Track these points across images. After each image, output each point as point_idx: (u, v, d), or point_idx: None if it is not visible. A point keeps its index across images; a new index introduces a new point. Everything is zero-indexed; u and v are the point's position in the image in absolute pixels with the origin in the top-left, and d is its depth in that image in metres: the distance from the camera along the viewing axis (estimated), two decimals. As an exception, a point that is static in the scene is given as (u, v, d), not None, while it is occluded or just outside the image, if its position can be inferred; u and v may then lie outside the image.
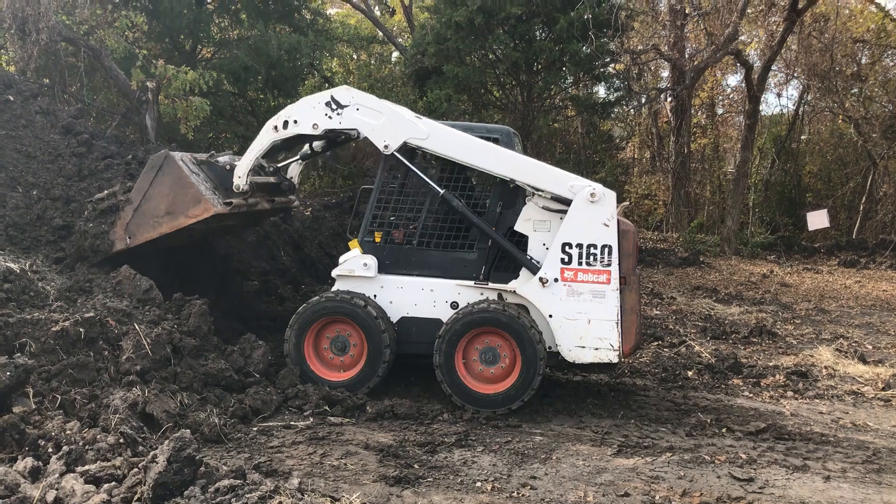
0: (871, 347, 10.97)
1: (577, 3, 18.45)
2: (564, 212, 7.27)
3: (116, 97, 16.99)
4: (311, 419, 6.77)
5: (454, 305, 7.51)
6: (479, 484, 5.47)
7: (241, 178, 7.90)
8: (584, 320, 7.18)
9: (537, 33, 19.92)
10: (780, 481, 5.72)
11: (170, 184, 7.71)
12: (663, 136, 29.57)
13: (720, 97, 33.90)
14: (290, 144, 8.25)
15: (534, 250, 7.47)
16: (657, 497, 5.33)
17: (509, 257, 7.54)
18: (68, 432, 5.41)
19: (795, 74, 28.98)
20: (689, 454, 6.24)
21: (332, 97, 7.66)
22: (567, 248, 7.23)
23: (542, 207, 7.40)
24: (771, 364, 9.70)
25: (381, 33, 28.02)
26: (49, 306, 7.16)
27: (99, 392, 6.15)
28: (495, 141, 7.80)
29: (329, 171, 21.71)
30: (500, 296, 7.45)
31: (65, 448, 5.00)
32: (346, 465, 5.70)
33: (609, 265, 7.16)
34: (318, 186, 22.13)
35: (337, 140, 8.31)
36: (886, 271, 20.98)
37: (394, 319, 7.56)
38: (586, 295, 7.19)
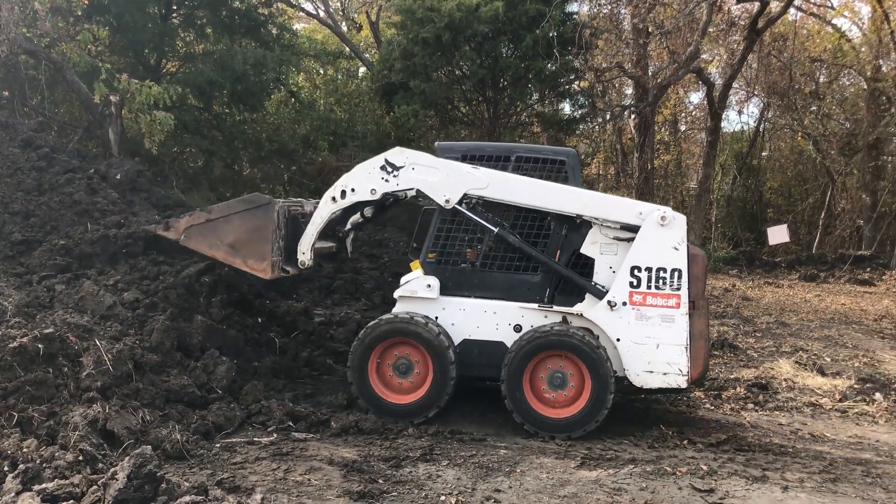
0: (829, 360, 11.18)
1: (543, 21, 18.65)
2: (633, 238, 7.24)
3: (79, 111, 16.77)
4: (275, 435, 6.74)
5: (517, 328, 7.40)
6: (443, 498, 5.48)
7: (305, 255, 7.75)
8: (652, 345, 7.12)
9: (503, 50, 20.08)
10: (740, 492, 5.80)
11: (252, 227, 7.58)
12: (627, 153, 29.91)
13: (683, 114, 34.45)
14: (349, 214, 8.11)
15: (600, 273, 7.38)
16: (619, 509, 5.38)
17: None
18: (25, 450, 5.34)
19: (756, 92, 29.56)
20: (652, 466, 6.31)
21: (387, 160, 7.61)
22: (636, 272, 7.18)
23: (613, 238, 7.34)
24: (732, 377, 9.84)
25: (347, 49, 28.06)
26: (6, 322, 7.05)
27: (58, 409, 6.07)
28: (562, 163, 7.75)
29: (295, 186, 21.62)
30: (564, 318, 7.36)
31: (21, 466, 4.94)
32: (309, 480, 5.68)
33: (679, 289, 7.12)
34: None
35: (387, 203, 8.11)
36: (845, 285, 21.38)
37: (455, 342, 7.41)
38: (655, 319, 7.13)
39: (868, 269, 23.71)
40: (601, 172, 34.22)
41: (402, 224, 14.68)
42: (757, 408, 8.48)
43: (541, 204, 7.46)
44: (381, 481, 5.73)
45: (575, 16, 21.09)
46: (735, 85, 26.87)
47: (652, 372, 7.12)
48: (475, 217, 7.54)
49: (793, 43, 26.75)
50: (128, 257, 9.11)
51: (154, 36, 17.54)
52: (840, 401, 8.89)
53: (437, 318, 7.45)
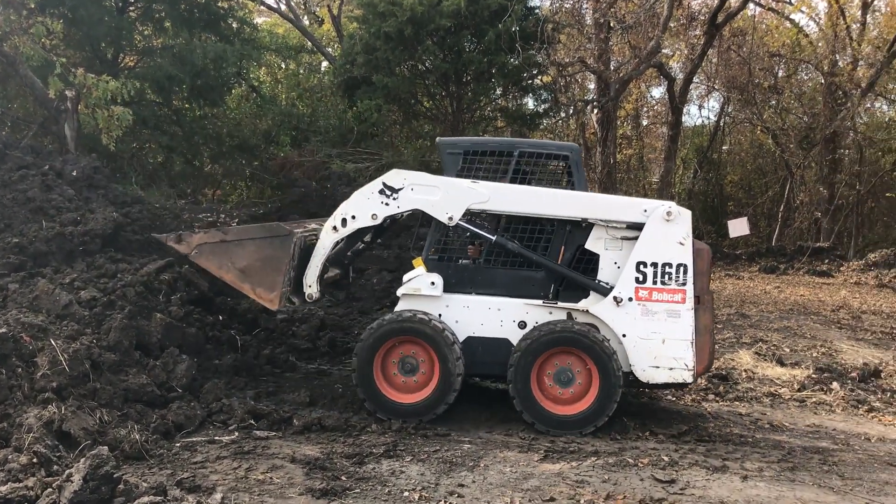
0: (788, 350, 11.35)
1: (505, 16, 18.69)
2: (638, 236, 7.23)
3: (33, 106, 16.45)
4: (237, 433, 6.65)
5: (522, 325, 7.33)
6: (406, 494, 5.46)
7: (311, 287, 7.58)
8: (658, 340, 7.11)
9: (466, 45, 20.11)
10: (701, 482, 5.87)
11: (267, 256, 7.37)
12: (590, 147, 30.09)
13: (645, 109, 34.77)
14: (353, 242, 7.95)
15: (605, 269, 7.34)
16: (582, 501, 5.40)
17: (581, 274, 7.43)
18: (-23, 453, 5.21)
19: (716, 87, 29.94)
20: (614, 458, 6.35)
21: (384, 184, 7.48)
22: (642, 267, 7.15)
23: (620, 238, 7.31)
24: (693, 368, 9.93)
25: (309, 43, 27.86)
26: (-42, 323, 6.88)
27: (11, 411, 5.94)
28: (565, 158, 7.72)
29: (257, 182, 21.44)
30: (569, 315, 7.31)
31: (-27, 470, 4.82)
32: (271, 478, 5.62)
33: (684, 284, 7.11)
34: (246, 197, 21.83)
35: (384, 225, 8.00)
36: (804, 276, 21.77)
37: (459, 339, 7.31)
38: (661, 314, 7.12)
39: (826, 261, 24.16)
40: (565, 167, 34.35)
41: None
42: (717, 398, 8.58)
43: (545, 212, 7.42)
44: (343, 478, 5.69)
45: (537, 10, 21.21)
46: (696, 79, 27.21)
47: (658, 367, 7.13)
48: (472, 228, 7.51)
49: (752, 38, 27.11)
50: (85, 255, 8.96)
51: (111, 30, 17.25)
52: (798, 390, 9.03)
53: (440, 315, 7.36)
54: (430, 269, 7.51)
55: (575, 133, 31.39)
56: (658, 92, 32.96)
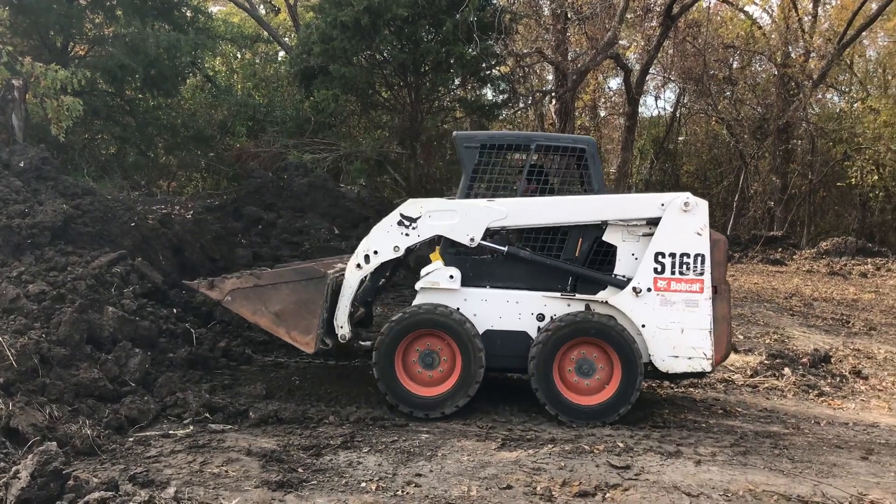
0: (742, 337, 11.55)
1: (462, 6, 18.66)
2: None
3: (-21, 96, 15.99)
4: (192, 427, 6.57)
5: (540, 317, 7.32)
6: (363, 484, 5.44)
7: (343, 328, 7.49)
8: (677, 330, 7.14)
9: (424, 35, 20.04)
10: (655, 467, 5.94)
11: (302, 299, 7.27)
12: (549, 138, 30.20)
13: (602, 100, 35.06)
14: (377, 278, 7.81)
15: (622, 260, 7.35)
16: (538, 488, 5.43)
17: (597, 265, 7.43)
18: (-80, 452, 5.07)
19: (672, 78, 30.27)
20: (570, 445, 6.40)
21: (402, 214, 7.42)
22: (660, 258, 7.17)
23: (642, 235, 7.32)
24: (650, 355, 10.04)
25: (265, 32, 27.53)
26: None
27: (-43, 408, 5.77)
28: (582, 151, 7.67)
29: (213, 173, 21.17)
30: (587, 306, 7.32)
31: (-85, 468, 4.68)
32: (227, 472, 5.56)
33: (702, 274, 7.14)
34: (202, 188, 21.54)
35: (404, 258, 7.91)
36: (758, 265, 22.17)
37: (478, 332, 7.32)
38: (679, 304, 7.14)
39: (779, 250, 24.63)
40: (524, 158, 34.48)
41: (323, 210, 14.51)
42: (672, 385, 8.69)
43: (564, 220, 7.41)
44: (300, 470, 5.65)
45: (494, 1, 21.17)
46: (652, 71, 27.47)
47: (677, 357, 7.17)
48: (495, 246, 7.48)
49: (707, 29, 27.45)
50: (33, 248, 8.76)
51: (60, 17, 16.84)
52: (751, 376, 9.19)
53: (458, 309, 7.34)
54: (447, 263, 7.51)
55: (534, 124, 31.53)
56: (615, 83, 33.30)
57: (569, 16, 22.77)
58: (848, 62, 30.91)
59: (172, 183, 22.65)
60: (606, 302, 7.25)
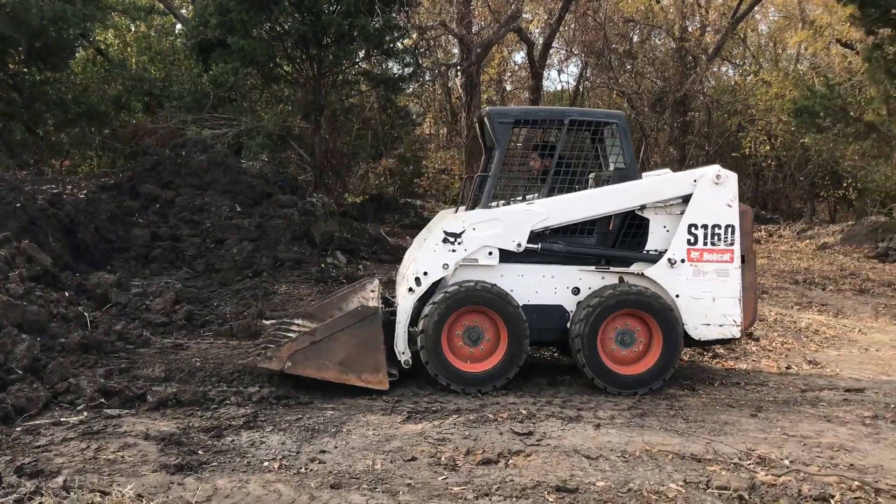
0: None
1: (365, -23, 18.36)
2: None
3: None
4: (85, 413, 6.30)
5: (576, 291, 7.43)
6: (266, 463, 5.36)
7: (404, 354, 7.40)
8: (709, 298, 7.41)
9: (325, 6, 19.62)
10: (556, 432, 6.06)
11: (361, 340, 7.08)
12: (457, 112, 30.29)
13: (508, 74, 35.25)
14: (426, 298, 7.54)
15: (655, 233, 7.53)
16: (443, 458, 5.47)
17: (630, 239, 7.61)
18: None
19: (574, 52, 30.71)
20: (475, 414, 6.47)
21: (446, 232, 7.38)
22: (693, 230, 7.41)
23: (679, 213, 7.49)
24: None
25: (160, 3, 26.47)
26: None
27: None
28: (615, 126, 7.74)
29: (108, 151, 20.34)
30: (620, 279, 7.44)
31: None
32: (122, 457, 5.38)
33: (732, 244, 7.42)
34: (97, 167, 20.68)
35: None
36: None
37: None
38: (711, 274, 7.41)
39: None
40: (432, 133, 34.48)
41: (223, 187, 14.14)
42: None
43: (603, 210, 7.54)
44: (200, 452, 5.52)
45: (397, -28, 20.89)
46: (555, 45, 27.80)
47: (709, 324, 7.46)
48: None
49: (607, 4, 27.90)
50: None
51: (-69, -15, 15.78)
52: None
53: (495, 285, 7.36)
54: None
55: (441, 98, 31.49)
56: (520, 57, 33.50)
57: (472, -12, 22.74)
58: (741, 36, 31.97)
59: (66, 162, 21.62)
60: (642, 274, 7.48)
